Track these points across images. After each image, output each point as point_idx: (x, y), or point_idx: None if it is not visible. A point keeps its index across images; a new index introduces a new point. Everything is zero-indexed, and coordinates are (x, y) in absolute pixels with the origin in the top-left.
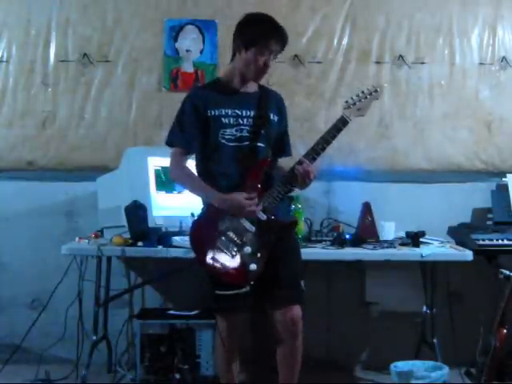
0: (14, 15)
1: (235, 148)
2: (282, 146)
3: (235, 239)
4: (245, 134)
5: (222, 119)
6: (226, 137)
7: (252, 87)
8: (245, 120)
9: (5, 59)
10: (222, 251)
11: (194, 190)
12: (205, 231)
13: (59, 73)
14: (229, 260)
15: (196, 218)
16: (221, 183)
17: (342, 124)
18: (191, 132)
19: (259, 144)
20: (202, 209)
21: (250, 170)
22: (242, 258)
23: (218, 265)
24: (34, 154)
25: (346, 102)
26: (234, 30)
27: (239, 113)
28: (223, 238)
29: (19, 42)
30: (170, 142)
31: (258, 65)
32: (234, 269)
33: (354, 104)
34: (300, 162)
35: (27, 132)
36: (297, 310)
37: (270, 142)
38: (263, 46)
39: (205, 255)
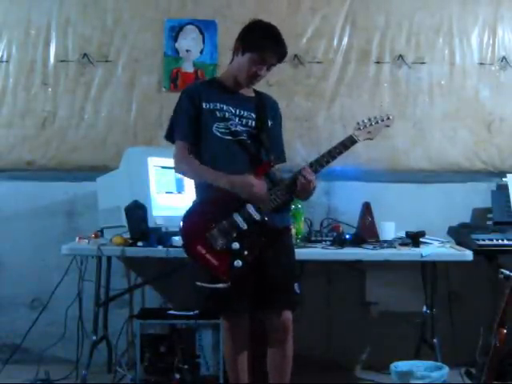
0: (14, 15)
1: (230, 141)
2: (276, 151)
3: (225, 234)
4: (238, 129)
5: (217, 113)
6: (220, 130)
7: (248, 91)
8: (237, 118)
9: (5, 59)
10: (210, 243)
11: (202, 177)
12: (196, 222)
13: (59, 73)
14: (215, 253)
15: (189, 208)
16: None
17: (350, 143)
18: (191, 124)
19: (256, 144)
20: (194, 201)
21: (248, 167)
22: (228, 253)
23: (203, 255)
24: (34, 154)
25: (358, 123)
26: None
27: (233, 110)
28: (213, 230)
29: (19, 42)
30: (170, 137)
31: (249, 71)
32: (219, 262)
33: (365, 127)
34: (302, 171)
35: (27, 132)
36: (287, 315)
37: (266, 146)
38: (258, 55)
39: (192, 244)
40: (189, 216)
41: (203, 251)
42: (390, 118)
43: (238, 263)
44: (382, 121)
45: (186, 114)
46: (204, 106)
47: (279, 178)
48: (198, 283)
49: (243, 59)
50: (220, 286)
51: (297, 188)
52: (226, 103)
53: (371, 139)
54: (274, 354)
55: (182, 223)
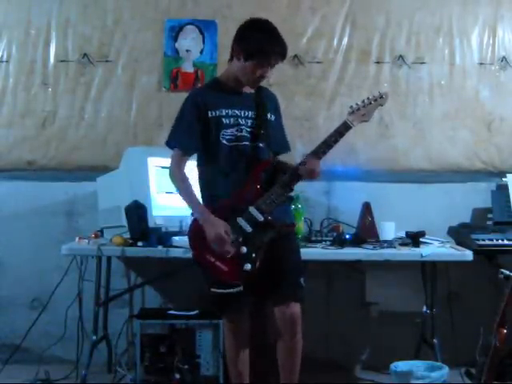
0: (14, 15)
1: (235, 148)
2: (280, 142)
3: (231, 239)
4: (244, 133)
5: (223, 119)
6: (227, 137)
7: (248, 88)
8: (243, 120)
9: (5, 59)
10: None
11: (184, 197)
12: (202, 231)
13: (59, 73)
14: (224, 259)
15: (193, 218)
16: (221, 183)
17: (344, 129)
18: (192, 133)
19: (259, 144)
20: None
21: (250, 171)
22: (237, 257)
23: (213, 263)
24: (34, 154)
25: (351, 107)
26: (234, 30)
27: (238, 113)
28: None
29: (19, 42)
30: (169, 144)
31: (255, 75)
32: (229, 268)
33: (359, 109)
34: (302, 163)
35: (27, 132)
36: (296, 308)
37: (269, 142)
38: (263, 60)
39: (201, 253)
40: (195, 226)
41: (212, 259)
42: (384, 96)
43: (248, 266)
44: (375, 100)
45: (186, 122)
46: (210, 115)
47: (286, 167)
48: (213, 289)
49: (247, 65)
50: (233, 290)
51: (300, 179)
52: (231, 107)
53: (366, 121)
54: (285, 347)
55: (188, 233)
